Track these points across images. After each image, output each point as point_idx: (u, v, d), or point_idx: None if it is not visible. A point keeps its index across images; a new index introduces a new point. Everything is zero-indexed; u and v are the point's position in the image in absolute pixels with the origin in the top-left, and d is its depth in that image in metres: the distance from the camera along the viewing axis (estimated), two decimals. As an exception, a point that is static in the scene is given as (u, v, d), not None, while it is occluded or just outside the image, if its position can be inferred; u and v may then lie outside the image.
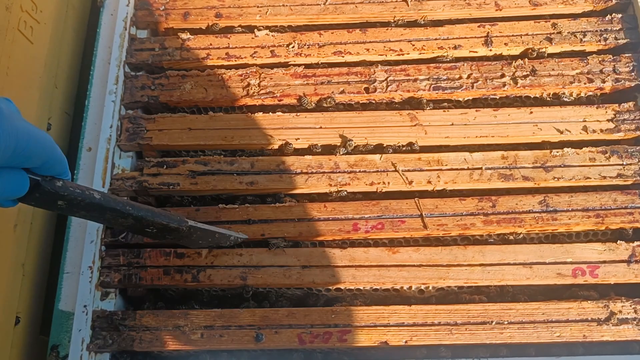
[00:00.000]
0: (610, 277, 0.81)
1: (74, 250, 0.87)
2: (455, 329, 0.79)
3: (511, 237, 0.86)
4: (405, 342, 0.79)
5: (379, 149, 0.89)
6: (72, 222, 0.88)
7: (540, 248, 0.83)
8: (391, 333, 0.79)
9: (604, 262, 0.82)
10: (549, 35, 0.94)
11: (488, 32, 0.95)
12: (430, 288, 0.83)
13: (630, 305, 0.80)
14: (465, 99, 0.94)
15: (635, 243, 0.83)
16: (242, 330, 0.80)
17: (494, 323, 0.79)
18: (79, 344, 0.80)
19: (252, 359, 0.83)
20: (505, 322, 0.79)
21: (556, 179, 0.86)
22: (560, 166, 0.87)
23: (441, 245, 0.85)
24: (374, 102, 0.93)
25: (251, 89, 0.93)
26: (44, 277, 0.95)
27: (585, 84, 0.92)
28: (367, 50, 0.95)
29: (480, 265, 0.82)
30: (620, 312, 0.79)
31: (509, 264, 0.82)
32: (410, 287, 0.83)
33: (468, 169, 0.87)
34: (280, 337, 0.80)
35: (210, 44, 0.97)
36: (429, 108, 0.92)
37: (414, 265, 0.82)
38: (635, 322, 0.79)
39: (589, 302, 0.80)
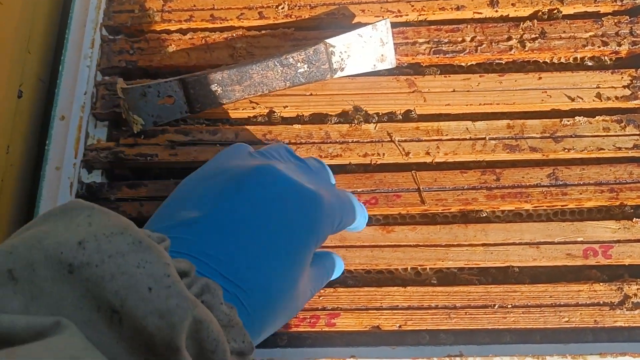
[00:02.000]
0: (625, 257, 0.74)
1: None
2: (454, 313, 0.73)
3: (517, 214, 0.79)
4: (399, 326, 0.72)
5: (374, 117, 0.82)
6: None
7: (548, 226, 0.76)
8: (384, 317, 0.73)
9: (618, 241, 0.74)
10: (560, -5, 0.87)
11: (494, -8, 0.87)
12: (428, 270, 0.77)
13: (646, 288, 0.73)
14: (469, 64, 0.86)
15: None
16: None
17: (496, 306, 0.73)
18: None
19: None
20: (509, 306, 0.73)
21: (566, 150, 0.79)
22: (571, 136, 0.79)
23: (440, 223, 0.78)
24: (369, 67, 0.86)
25: (237, 52, 0.86)
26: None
27: (599, 47, 0.84)
28: (363, 11, 0.88)
29: (483, 245, 0.75)
30: (635, 295, 0.72)
31: (514, 243, 0.75)
32: (406, 269, 0.76)
33: (470, 139, 0.80)
34: (264, 320, 0.74)
35: (194, 5, 0.89)
36: (428, 74, 0.84)
37: (410, 246, 0.75)
38: (651, 307, 0.72)
39: (601, 284, 0.73)
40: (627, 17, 0.85)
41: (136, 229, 0.41)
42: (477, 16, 0.88)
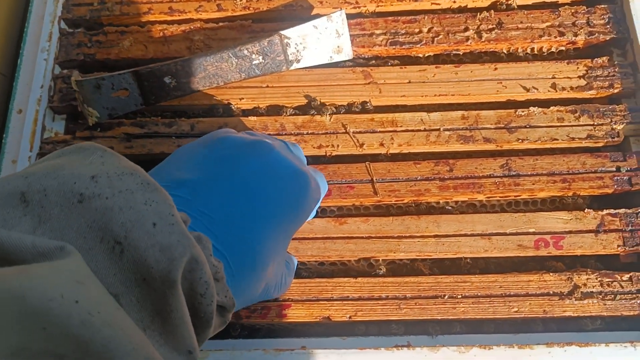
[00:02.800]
0: (576, 248, 0.74)
1: None
2: (404, 304, 0.73)
3: (470, 205, 0.79)
4: (350, 317, 0.73)
5: (330, 109, 0.82)
6: None
7: (500, 217, 0.76)
8: (334, 308, 0.73)
9: (570, 232, 0.74)
10: (518, -15, 0.86)
11: (452, -18, 0.87)
12: (380, 261, 0.77)
13: (597, 278, 0.73)
14: (426, 55, 0.86)
15: (605, 211, 0.75)
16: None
17: (446, 297, 0.73)
18: None
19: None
20: (459, 296, 0.73)
21: (520, 141, 0.79)
22: (525, 127, 0.79)
23: (393, 214, 0.78)
24: (326, 58, 0.86)
25: (195, 45, 0.86)
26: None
27: (555, 37, 0.84)
28: (321, 3, 0.88)
29: (435, 236, 0.75)
30: (585, 285, 0.72)
31: (465, 235, 0.75)
32: (358, 261, 0.76)
33: (425, 130, 0.80)
34: (215, 311, 0.74)
35: (153, -2, 0.89)
36: (384, 65, 0.84)
37: (362, 237, 0.75)
38: (600, 296, 0.72)
39: (551, 274, 0.73)
40: (584, 7, 0.85)
41: (144, 172, 0.43)
42: (434, 7, 0.88)
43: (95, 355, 0.33)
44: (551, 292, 0.72)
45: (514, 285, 0.73)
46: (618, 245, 0.74)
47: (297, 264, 0.74)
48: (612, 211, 0.75)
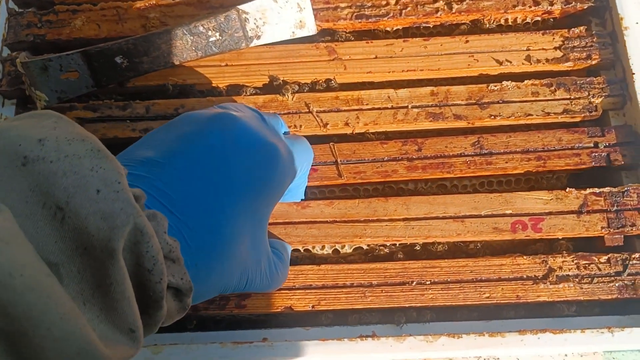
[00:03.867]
0: (557, 230, 0.69)
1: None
2: (370, 291, 0.69)
3: (441, 186, 0.75)
4: (313, 306, 0.69)
5: (293, 87, 0.77)
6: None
7: (474, 199, 0.71)
8: (296, 297, 0.69)
9: (550, 213, 0.70)
10: (490, -47, 0.82)
11: (421, -49, 0.82)
12: (347, 248, 0.73)
13: (573, 261, 0.69)
14: (394, 28, 0.82)
15: (589, 190, 0.71)
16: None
17: (414, 283, 0.69)
18: None
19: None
20: (428, 282, 0.69)
21: (493, 117, 0.75)
22: (498, 102, 0.75)
23: (360, 197, 0.74)
24: (288, 34, 0.81)
25: (150, 23, 0.82)
26: None
27: (530, 7, 0.79)
28: (283, -25, 0.83)
29: (404, 220, 0.71)
30: (560, 268, 0.68)
31: (437, 217, 0.70)
32: (322, 247, 0.73)
33: (392, 107, 0.76)
34: (172, 303, 0.70)
35: (107, -26, 0.85)
36: (349, 40, 0.80)
37: (326, 222, 0.71)
38: (577, 280, 0.68)
39: (525, 257, 0.69)
40: (561, -26, 0.80)
41: (98, 141, 0.41)
42: (403, -22, 0.83)
43: (17, 321, 0.32)
44: (525, 276, 0.68)
45: (486, 270, 0.69)
46: (602, 227, 0.69)
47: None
48: (596, 190, 0.71)
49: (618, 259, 0.68)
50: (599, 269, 0.68)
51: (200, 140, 0.53)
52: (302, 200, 0.72)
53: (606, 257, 0.68)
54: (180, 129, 0.55)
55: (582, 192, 0.71)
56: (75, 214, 0.37)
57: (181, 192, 0.49)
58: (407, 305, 0.68)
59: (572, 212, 0.70)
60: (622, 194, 0.70)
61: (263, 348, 0.66)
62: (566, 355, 0.66)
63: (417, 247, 0.72)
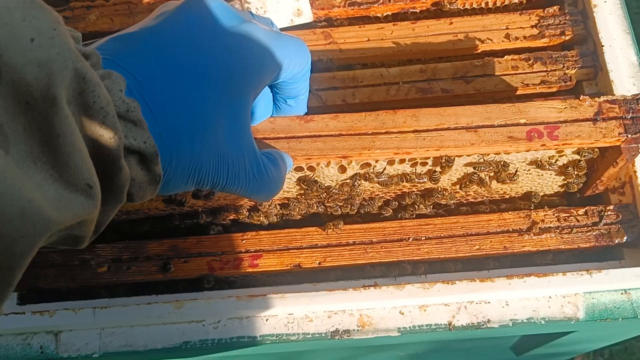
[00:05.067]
0: (573, 138, 0.67)
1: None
2: (370, 248, 0.76)
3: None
4: (319, 263, 0.75)
5: (293, 70, 0.84)
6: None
7: (487, 109, 0.69)
8: (304, 255, 0.76)
9: (565, 121, 0.68)
10: (470, -57, 0.89)
11: (407, -56, 0.90)
12: (353, 164, 0.71)
13: (553, 214, 0.76)
14: (384, 14, 0.89)
15: (602, 98, 0.69)
16: (150, 261, 0.77)
17: (410, 239, 0.76)
18: (-20, 284, 0.76)
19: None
20: (423, 238, 0.76)
21: (477, 90, 0.82)
22: (481, 76, 0.82)
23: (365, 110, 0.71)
24: (287, 22, 0.88)
25: (160, 16, 0.89)
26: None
27: (508, -10, 0.87)
28: (280, -31, 0.90)
29: (414, 131, 0.68)
30: (542, 221, 0.75)
31: (448, 128, 0.68)
32: (328, 164, 0.70)
33: (384, 84, 0.83)
34: (190, 265, 0.77)
35: (118, -27, 0.92)
36: (343, 25, 0.87)
37: (331, 135, 0.68)
38: (558, 231, 0.75)
39: (510, 213, 0.76)
40: (535, -41, 0.88)
41: None
42: (391, -32, 0.91)
43: None
44: (510, 230, 0.75)
45: (475, 225, 0.76)
46: (619, 133, 0.67)
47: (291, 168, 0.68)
48: (609, 98, 0.69)
49: (594, 211, 0.75)
50: (577, 221, 0.75)
51: (167, 19, 0.52)
52: (305, 114, 0.70)
53: (584, 210, 0.76)
54: (160, 12, 0.54)
55: (596, 99, 0.69)
56: (12, 67, 0.35)
57: (146, 63, 0.49)
58: (404, 259, 0.75)
59: (587, 119, 0.68)
60: (636, 101, 0.69)
61: (275, 300, 0.72)
62: (550, 297, 0.73)
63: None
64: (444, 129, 0.68)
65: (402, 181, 0.74)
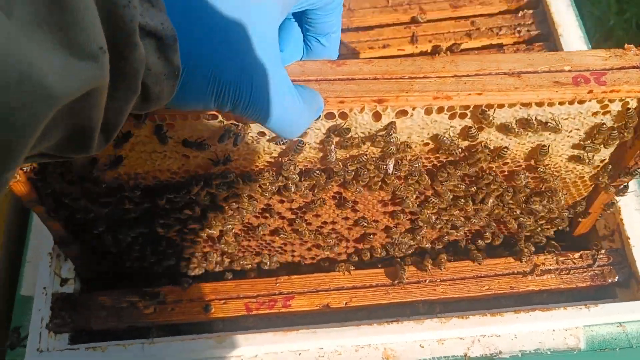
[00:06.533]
0: (622, 83, 0.64)
1: (36, 238, 0.92)
2: (391, 289, 0.85)
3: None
4: (346, 303, 0.84)
5: None
6: (33, 214, 0.94)
7: (529, 57, 0.66)
8: (332, 296, 0.85)
9: (611, 68, 0.65)
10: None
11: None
12: (389, 110, 0.64)
13: (553, 258, 0.86)
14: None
15: None
16: (192, 302, 0.85)
17: (427, 281, 0.85)
18: (39, 323, 0.84)
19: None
20: (438, 280, 0.85)
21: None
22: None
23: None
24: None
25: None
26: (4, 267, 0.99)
27: None
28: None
29: (454, 76, 0.64)
30: (543, 263, 0.85)
31: (490, 74, 0.64)
32: (362, 109, 0.64)
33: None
34: (229, 306, 0.85)
35: None
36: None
37: (365, 79, 0.63)
38: (557, 272, 0.85)
39: (514, 257, 0.86)
40: None
41: None
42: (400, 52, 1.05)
43: None
44: (515, 272, 0.85)
45: (484, 268, 0.85)
46: None
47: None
48: None
49: (588, 255, 0.85)
50: (574, 263, 0.85)
51: None
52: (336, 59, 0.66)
53: (579, 254, 0.86)
54: None
55: (641, 49, 0.68)
56: None
57: None
58: (422, 299, 0.84)
59: (634, 67, 0.65)
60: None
61: (307, 334, 0.81)
62: (554, 330, 0.81)
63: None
64: (485, 74, 0.64)
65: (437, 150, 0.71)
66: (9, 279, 0.96)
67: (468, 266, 0.86)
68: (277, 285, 0.86)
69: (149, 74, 0.44)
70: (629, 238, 0.86)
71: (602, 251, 0.86)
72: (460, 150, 0.69)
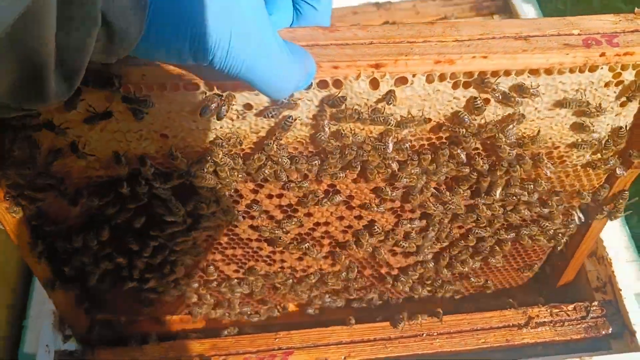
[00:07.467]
0: (635, 45, 0.61)
1: (39, 295, 0.93)
2: (389, 343, 0.86)
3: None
4: (344, 358, 0.85)
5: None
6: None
7: (535, 21, 0.63)
8: (331, 351, 0.86)
9: (623, 31, 0.61)
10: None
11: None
12: (387, 77, 0.60)
13: (546, 310, 0.87)
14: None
15: None
16: (192, 359, 0.87)
17: (424, 335, 0.86)
18: (41, 381, 0.85)
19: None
20: (435, 334, 0.86)
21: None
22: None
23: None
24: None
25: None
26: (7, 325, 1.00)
27: None
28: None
29: (456, 40, 0.60)
30: (537, 316, 0.87)
31: (494, 37, 0.60)
32: (358, 76, 0.59)
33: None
34: (229, 362, 0.86)
35: None
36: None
37: (361, 44, 0.59)
38: (551, 325, 0.86)
39: (510, 310, 0.88)
40: None
41: None
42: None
43: None
44: (510, 324, 0.87)
45: (480, 321, 0.87)
46: None
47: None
48: None
49: (582, 307, 0.87)
50: (568, 315, 0.87)
51: None
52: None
53: (572, 306, 0.87)
54: None
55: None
56: None
57: None
58: (420, 352, 0.85)
59: None
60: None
61: (308, 390, 0.82)
62: (550, 383, 0.83)
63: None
64: (489, 38, 0.60)
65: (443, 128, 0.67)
66: (12, 336, 0.98)
67: (464, 319, 0.87)
68: (277, 340, 0.87)
69: (111, 4, 0.39)
70: (621, 290, 0.87)
71: (595, 303, 0.87)
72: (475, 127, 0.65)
